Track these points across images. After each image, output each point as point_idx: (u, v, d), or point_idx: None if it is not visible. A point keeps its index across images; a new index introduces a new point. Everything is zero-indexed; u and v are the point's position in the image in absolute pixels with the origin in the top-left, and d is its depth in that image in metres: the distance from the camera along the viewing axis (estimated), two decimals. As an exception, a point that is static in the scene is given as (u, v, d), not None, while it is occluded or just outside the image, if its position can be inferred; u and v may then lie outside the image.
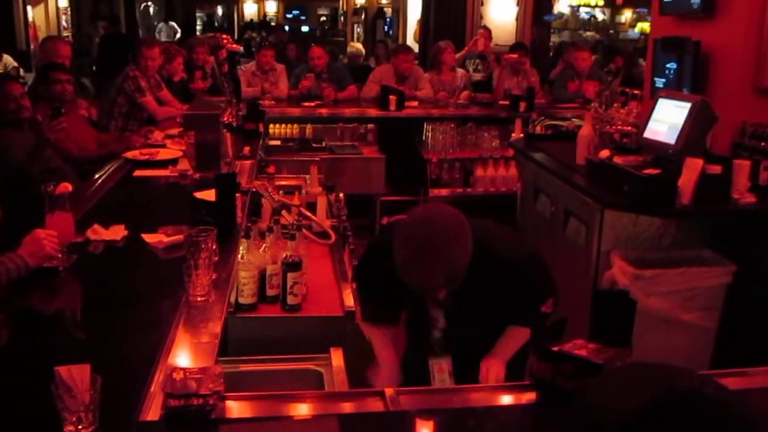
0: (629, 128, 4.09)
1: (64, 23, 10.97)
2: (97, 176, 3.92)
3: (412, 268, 2.03)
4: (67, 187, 2.53)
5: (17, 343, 2.11)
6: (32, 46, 9.34)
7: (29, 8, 9.64)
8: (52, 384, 1.53)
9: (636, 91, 4.40)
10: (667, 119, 3.60)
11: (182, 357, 2.01)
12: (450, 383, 2.39)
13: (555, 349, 1.76)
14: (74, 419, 1.53)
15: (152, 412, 1.69)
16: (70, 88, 4.71)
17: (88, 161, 4.35)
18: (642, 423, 0.79)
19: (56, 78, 4.61)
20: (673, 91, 3.95)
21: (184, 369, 1.75)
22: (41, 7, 10.33)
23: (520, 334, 2.39)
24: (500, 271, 2.24)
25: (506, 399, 1.91)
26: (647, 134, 3.73)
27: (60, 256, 2.44)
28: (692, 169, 3.35)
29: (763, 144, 3.60)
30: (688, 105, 3.50)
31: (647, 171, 3.47)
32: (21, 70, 8.22)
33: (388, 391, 1.84)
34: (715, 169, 3.40)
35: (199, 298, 2.32)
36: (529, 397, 1.84)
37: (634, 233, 3.62)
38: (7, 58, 8.36)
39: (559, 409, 1.70)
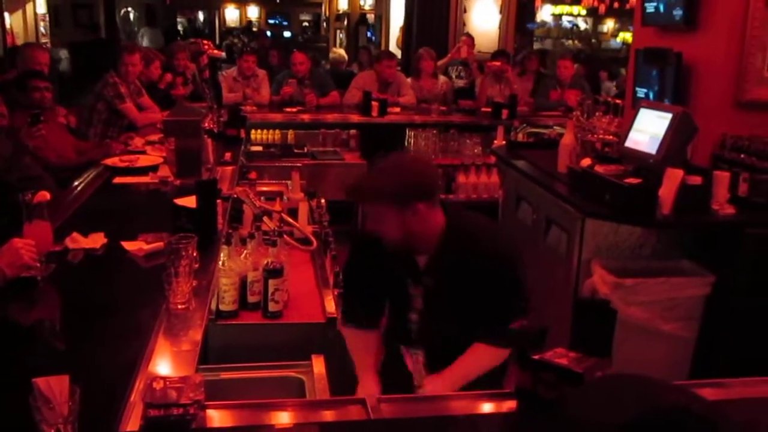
0: (611, 137, 4.12)
1: (42, 30, 10.87)
2: (76, 184, 3.89)
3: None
4: (45, 195, 2.51)
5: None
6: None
7: (6, 15, 9.55)
8: (30, 396, 1.51)
9: (618, 101, 4.43)
10: (649, 129, 3.63)
11: (162, 366, 2.00)
12: (424, 375, 2.39)
13: (536, 357, 1.76)
14: (53, 431, 1.52)
15: (132, 423, 1.67)
16: (49, 96, 4.68)
17: (67, 169, 4.31)
18: None
19: (35, 85, 4.57)
20: (655, 102, 3.98)
21: (164, 378, 1.74)
22: (19, 13, 10.24)
23: (481, 357, 2.31)
24: (481, 262, 2.22)
25: (487, 407, 1.91)
26: (629, 144, 3.75)
27: (38, 265, 2.41)
28: (673, 179, 3.38)
29: (742, 156, 3.64)
30: (669, 116, 3.52)
31: (628, 180, 3.50)
32: None
33: (370, 400, 1.83)
34: (696, 180, 3.43)
35: (179, 306, 2.30)
36: (509, 405, 1.84)
37: (614, 242, 3.65)
38: None
39: (540, 417, 1.71)
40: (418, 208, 2.17)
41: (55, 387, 1.52)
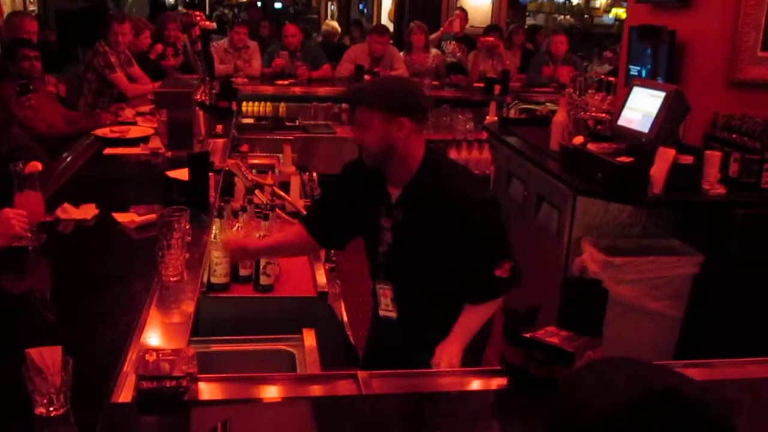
0: (603, 115, 4.12)
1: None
2: (66, 154, 3.87)
3: None
4: (36, 165, 2.49)
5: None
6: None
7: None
8: (23, 366, 1.51)
9: (611, 79, 4.43)
10: (642, 108, 3.63)
11: (155, 337, 2.00)
12: (393, 310, 2.42)
13: (527, 336, 1.77)
14: (45, 401, 1.52)
15: (124, 394, 1.68)
16: (38, 65, 4.62)
17: (57, 139, 4.28)
18: (618, 422, 0.80)
19: (24, 54, 4.52)
20: (648, 80, 3.97)
21: (156, 350, 1.74)
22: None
23: (477, 313, 2.32)
24: (452, 201, 2.23)
25: (478, 384, 1.93)
26: (621, 122, 3.75)
27: (29, 235, 2.41)
28: (664, 158, 3.39)
29: (734, 136, 3.64)
30: (662, 94, 3.52)
31: (620, 159, 3.50)
32: None
33: (361, 374, 1.84)
34: (687, 159, 3.44)
35: (172, 279, 2.31)
36: (500, 382, 1.85)
37: (605, 221, 3.66)
38: None
39: (531, 395, 1.72)
40: (404, 123, 2.21)
41: (48, 358, 1.53)
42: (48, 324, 2.10)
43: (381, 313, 2.47)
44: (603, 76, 4.52)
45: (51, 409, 1.53)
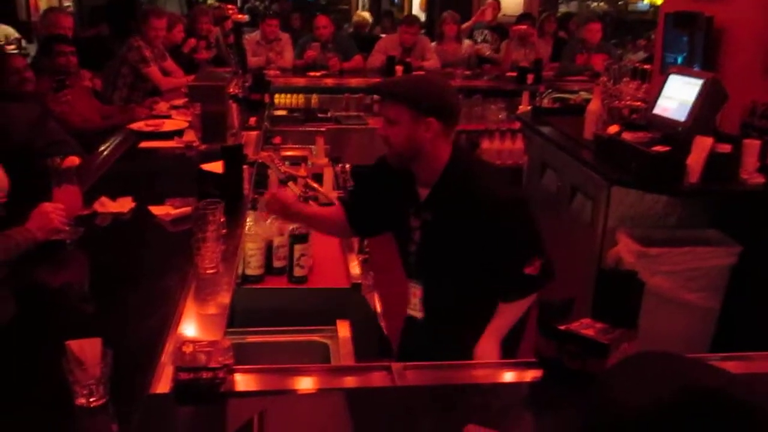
0: (638, 104, 4.07)
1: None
2: (102, 148, 3.92)
3: None
4: (74, 160, 2.55)
5: (26, 317, 2.13)
6: (33, 17, 9.23)
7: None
8: (63, 358, 1.54)
9: (646, 66, 4.37)
10: (678, 96, 3.58)
11: (191, 329, 2.03)
12: (419, 310, 2.41)
13: (561, 328, 1.76)
14: (85, 392, 1.55)
15: (162, 385, 1.70)
16: (74, 60, 4.68)
17: (92, 133, 4.34)
18: (657, 421, 0.78)
19: (60, 50, 4.57)
20: (684, 68, 3.91)
21: (193, 342, 1.76)
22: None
23: (511, 311, 2.32)
24: (480, 201, 2.20)
25: (512, 376, 1.92)
26: (657, 110, 3.71)
27: (67, 229, 2.45)
28: (701, 147, 3.34)
29: (772, 124, 3.58)
30: (699, 82, 3.47)
31: (656, 148, 3.46)
32: (23, 41, 8.14)
33: (395, 366, 1.85)
34: (725, 148, 3.38)
35: (208, 271, 2.33)
36: (534, 374, 1.85)
37: (640, 211, 3.62)
38: (7, 29, 8.27)
39: (565, 387, 1.72)
40: (431, 123, 2.18)
41: (88, 349, 1.56)
42: (87, 316, 2.13)
43: (408, 311, 2.47)
44: (638, 64, 4.46)
45: (91, 399, 1.55)
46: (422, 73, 6.93)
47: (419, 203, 2.34)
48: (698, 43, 3.95)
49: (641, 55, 8.06)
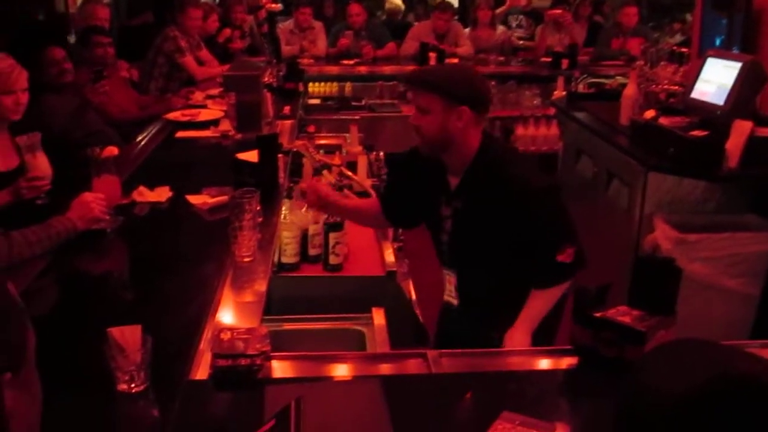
0: (676, 88, 4.01)
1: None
2: (139, 138, 3.97)
3: None
4: (113, 150, 2.58)
5: (68, 305, 2.17)
6: (71, 9, 9.33)
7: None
8: (105, 345, 1.57)
9: (683, 50, 4.30)
10: (716, 79, 3.52)
11: (229, 317, 2.06)
12: (455, 297, 2.43)
13: (597, 315, 1.76)
14: (126, 378, 1.59)
15: (201, 371, 1.74)
16: (111, 51, 4.73)
17: (130, 124, 4.40)
18: (693, 407, 0.78)
19: (97, 41, 4.63)
20: (722, 51, 3.85)
21: (231, 329, 1.79)
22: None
23: (543, 299, 2.30)
24: (511, 189, 2.20)
25: (547, 363, 1.92)
26: (694, 95, 3.65)
27: (107, 218, 2.50)
28: (741, 131, 3.28)
29: (814, 106, 3.51)
30: (738, 65, 3.41)
31: (694, 133, 3.40)
32: None
33: (431, 353, 1.86)
34: (765, 131, 3.32)
35: (245, 259, 2.36)
36: (570, 362, 1.84)
37: (677, 196, 3.57)
38: None
39: (601, 375, 1.71)
40: (463, 112, 2.18)
41: (129, 336, 1.59)
42: (127, 304, 2.17)
43: (445, 298, 2.48)
44: (675, 48, 4.39)
45: (132, 385, 1.59)
46: (455, 60, 6.91)
47: (450, 192, 2.34)
48: (737, 25, 3.88)
49: (678, 38, 7.92)
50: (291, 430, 1.33)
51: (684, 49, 4.32)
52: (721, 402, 0.78)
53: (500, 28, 7.60)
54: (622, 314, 1.73)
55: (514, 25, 7.96)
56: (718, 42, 4.06)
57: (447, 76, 2.24)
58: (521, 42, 7.59)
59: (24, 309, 0.76)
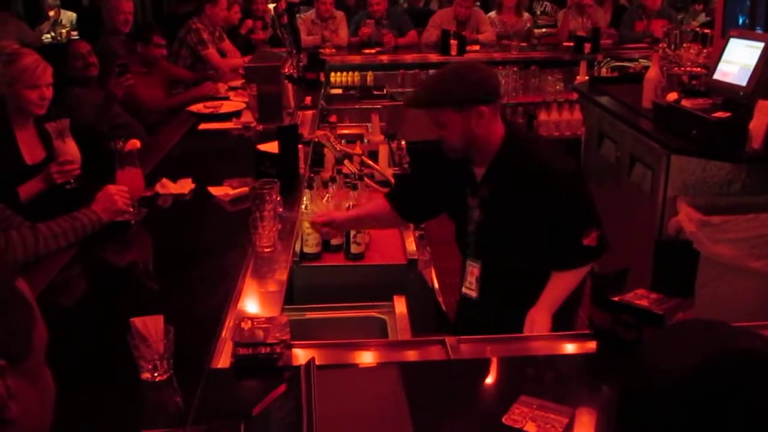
0: (698, 69, 3.96)
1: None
2: (163, 131, 4.02)
3: None
4: (135, 143, 2.62)
5: (94, 296, 2.22)
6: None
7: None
8: (129, 334, 1.61)
9: (706, 31, 4.25)
10: (739, 60, 3.47)
11: (250, 305, 2.09)
12: (474, 289, 2.41)
13: (615, 299, 1.76)
14: (150, 367, 1.62)
15: (222, 360, 1.77)
16: (165, 53, 4.98)
17: (157, 112, 4.50)
18: (691, 383, 0.78)
19: (157, 42, 4.86)
20: (745, 31, 3.79)
21: (252, 318, 1.82)
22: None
23: (565, 281, 2.31)
24: (537, 174, 2.22)
25: (566, 348, 1.92)
26: (717, 76, 3.60)
27: (131, 210, 2.54)
28: (764, 112, 3.24)
29: (840, 85, 3.44)
30: (761, 45, 3.36)
31: (717, 114, 3.37)
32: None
33: (449, 340, 1.87)
34: (788, 111, 3.28)
35: (266, 249, 2.38)
36: (589, 346, 1.85)
37: (701, 179, 3.54)
38: (71, 15, 8.48)
39: (619, 358, 1.71)
40: (482, 111, 2.19)
41: (151, 326, 1.62)
42: (150, 294, 2.21)
43: (463, 290, 2.48)
44: (698, 29, 4.34)
45: (155, 374, 1.63)
46: (476, 47, 6.88)
47: (476, 182, 2.34)
48: (761, 5, 3.82)
49: (702, 19, 7.81)
50: (303, 389, 1.35)
51: (707, 31, 4.27)
52: (720, 378, 0.79)
53: (526, 15, 7.53)
54: (640, 297, 1.73)
55: (538, 12, 7.88)
56: (741, 22, 4.00)
57: (447, 86, 2.22)
58: (544, 30, 7.53)
59: (29, 303, 0.78)
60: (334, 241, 2.91)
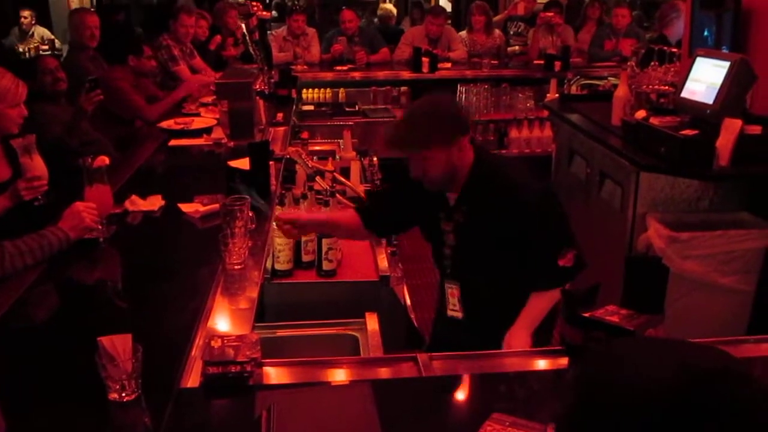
0: (666, 88, 4.02)
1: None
2: (133, 147, 3.98)
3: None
4: (104, 160, 2.59)
5: (61, 314, 2.18)
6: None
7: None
8: (96, 354, 1.58)
9: (673, 50, 4.31)
10: (705, 79, 3.53)
11: (221, 323, 2.07)
12: (459, 309, 2.43)
13: (586, 315, 1.76)
14: (118, 387, 1.59)
15: (192, 379, 1.74)
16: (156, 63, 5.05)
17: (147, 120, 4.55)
18: (655, 403, 0.77)
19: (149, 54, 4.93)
20: (711, 50, 3.86)
21: (221, 337, 1.79)
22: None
23: (543, 301, 2.32)
24: (510, 195, 2.24)
25: (538, 364, 1.93)
26: (684, 94, 3.66)
27: (100, 227, 2.50)
28: (731, 130, 3.29)
29: (804, 104, 3.51)
30: (727, 64, 3.42)
31: (684, 132, 3.41)
32: (57, 42, 8.29)
33: (421, 356, 1.86)
34: (755, 129, 3.33)
35: (236, 266, 2.36)
36: (561, 362, 1.85)
37: (670, 196, 3.58)
38: (44, 31, 8.41)
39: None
40: (462, 142, 2.23)
41: (119, 345, 1.59)
42: (119, 312, 2.17)
43: (449, 313, 2.48)
44: (665, 48, 4.40)
45: (123, 394, 1.59)
46: (448, 64, 6.92)
47: (449, 207, 2.36)
48: (726, 24, 3.89)
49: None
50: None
51: (674, 50, 4.34)
52: (687, 397, 0.78)
53: (497, 32, 7.58)
54: (611, 314, 1.74)
55: (512, 32, 7.93)
56: (710, 40, 4.07)
57: (430, 125, 2.22)
58: (517, 47, 7.59)
59: None
60: (306, 258, 2.90)
